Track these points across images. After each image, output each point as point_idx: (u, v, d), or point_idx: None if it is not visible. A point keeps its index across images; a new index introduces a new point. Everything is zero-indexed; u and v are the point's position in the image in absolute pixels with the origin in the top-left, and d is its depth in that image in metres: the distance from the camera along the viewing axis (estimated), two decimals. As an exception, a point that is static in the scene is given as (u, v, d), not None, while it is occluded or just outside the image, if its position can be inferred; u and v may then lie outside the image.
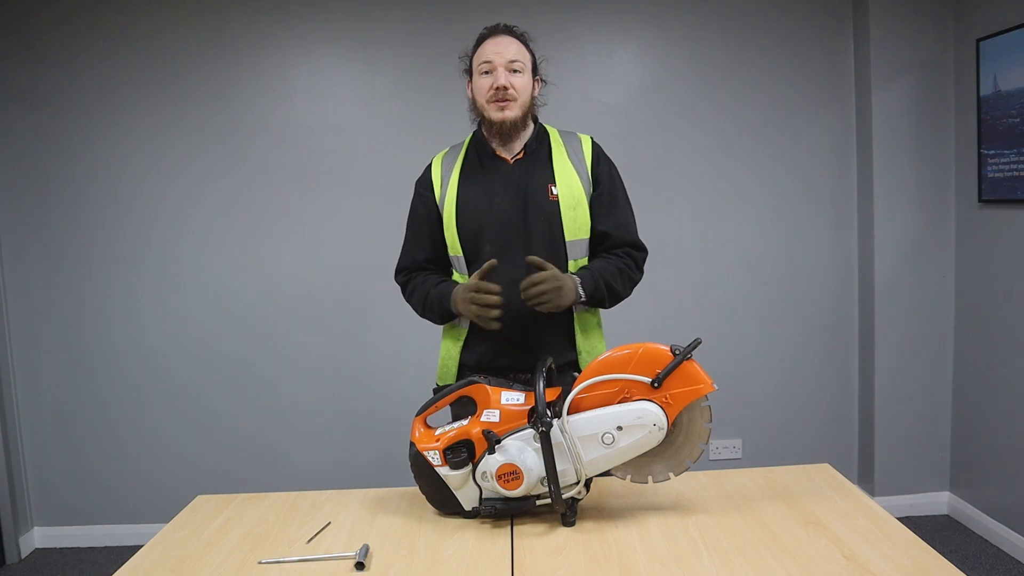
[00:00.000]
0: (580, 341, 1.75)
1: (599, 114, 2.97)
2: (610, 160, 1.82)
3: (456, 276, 1.78)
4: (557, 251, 1.71)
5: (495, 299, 1.58)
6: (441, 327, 1.83)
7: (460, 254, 1.73)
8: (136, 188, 2.92)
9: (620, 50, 2.99)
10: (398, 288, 1.93)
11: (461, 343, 1.76)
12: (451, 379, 1.79)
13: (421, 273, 1.79)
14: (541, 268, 1.60)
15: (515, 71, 1.70)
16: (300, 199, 2.95)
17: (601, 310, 1.85)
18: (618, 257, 1.76)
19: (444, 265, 1.80)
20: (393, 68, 2.94)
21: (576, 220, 1.71)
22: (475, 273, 1.62)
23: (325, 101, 2.94)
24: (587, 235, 1.74)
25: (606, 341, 1.87)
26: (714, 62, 2.98)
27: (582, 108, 2.95)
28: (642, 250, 1.82)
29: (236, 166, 2.93)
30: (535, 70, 1.78)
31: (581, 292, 1.65)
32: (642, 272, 1.82)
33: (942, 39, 2.89)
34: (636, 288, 3.12)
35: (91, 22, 2.85)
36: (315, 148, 2.94)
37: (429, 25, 2.91)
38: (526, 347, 1.69)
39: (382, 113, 2.95)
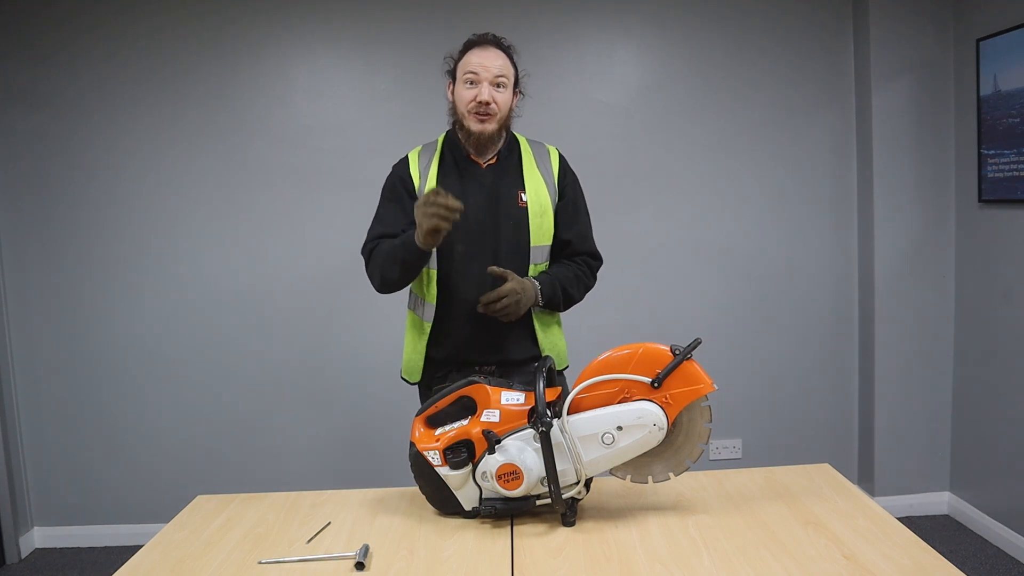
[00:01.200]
0: (541, 337, 1.83)
1: (599, 114, 2.97)
2: (573, 172, 1.90)
3: (425, 271, 1.78)
4: (521, 255, 1.78)
5: (456, 203, 1.54)
6: (405, 322, 1.88)
7: (433, 250, 1.73)
8: (136, 188, 2.92)
9: (620, 50, 2.99)
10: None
11: (427, 338, 1.81)
12: (417, 374, 1.85)
13: (386, 239, 1.76)
14: (503, 278, 1.68)
15: (499, 86, 1.74)
16: (300, 199, 2.95)
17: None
18: (576, 265, 1.84)
19: None
20: (393, 68, 2.94)
21: (542, 227, 1.79)
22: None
23: (325, 101, 2.94)
24: (549, 241, 1.81)
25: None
26: (714, 62, 2.98)
27: (582, 108, 2.95)
28: (598, 259, 1.90)
29: (236, 166, 2.93)
30: (516, 83, 1.81)
31: (539, 298, 1.74)
32: (596, 279, 1.89)
33: (942, 39, 2.89)
34: (637, 288, 3.15)
35: (91, 22, 2.85)
36: (315, 148, 2.94)
37: (429, 25, 2.91)
38: (491, 342, 1.77)
39: (382, 113, 2.95)
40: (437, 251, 1.74)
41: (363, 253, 1.81)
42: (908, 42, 2.89)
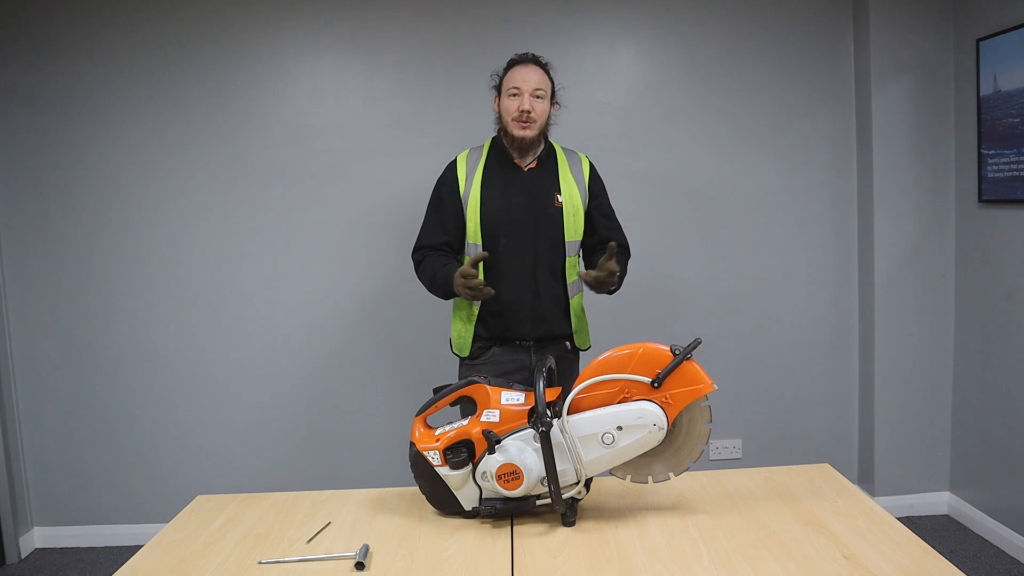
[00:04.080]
0: (573, 319, 2.12)
1: (599, 114, 2.97)
2: (601, 178, 2.20)
3: (466, 260, 2.03)
4: (556, 248, 2.07)
5: (477, 282, 1.90)
6: (451, 306, 2.17)
7: (479, 243, 2.05)
8: (136, 188, 2.92)
9: (620, 50, 2.99)
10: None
11: (475, 318, 2.09)
12: (467, 350, 2.12)
13: (434, 253, 2.08)
14: (612, 254, 1.93)
15: (538, 97, 2.02)
16: (300, 199, 2.95)
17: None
18: (624, 258, 2.16)
19: (458, 248, 2.10)
20: (393, 68, 2.94)
21: (574, 225, 2.08)
22: (468, 261, 1.91)
23: (325, 101, 2.94)
24: (580, 238, 2.10)
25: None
26: (714, 62, 2.98)
27: (582, 108, 2.94)
28: (628, 251, 2.23)
29: (237, 166, 2.93)
30: (553, 95, 2.10)
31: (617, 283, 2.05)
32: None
33: (942, 39, 2.89)
34: (636, 287, 3.17)
35: (92, 23, 2.84)
36: (315, 148, 2.93)
37: (429, 25, 2.91)
38: (530, 321, 2.07)
39: (382, 113, 2.95)
40: (485, 245, 2.05)
41: (412, 257, 2.14)
42: (908, 42, 2.89)
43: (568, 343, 2.15)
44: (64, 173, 2.90)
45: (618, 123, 2.98)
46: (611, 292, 2.04)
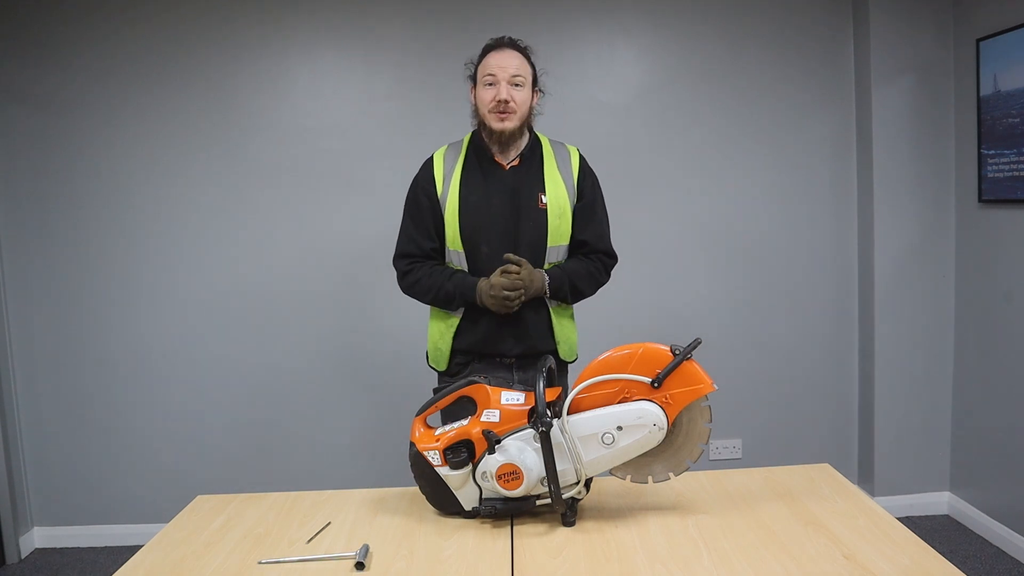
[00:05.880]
0: (557, 330, 1.93)
1: (599, 114, 2.97)
2: (594, 173, 1.97)
3: (454, 267, 1.90)
4: (538, 254, 1.87)
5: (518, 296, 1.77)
6: (428, 312, 1.99)
7: (460, 249, 1.86)
8: (136, 189, 2.92)
9: (620, 50, 2.99)
10: (396, 288, 2.02)
11: (454, 330, 1.90)
12: (444, 362, 1.94)
13: (426, 263, 1.90)
14: (518, 265, 1.77)
15: (516, 85, 1.82)
16: (300, 198, 2.95)
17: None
18: (590, 261, 1.93)
19: (443, 254, 1.92)
20: (393, 68, 2.94)
21: (560, 228, 1.88)
22: (499, 273, 1.77)
23: (325, 101, 2.94)
24: (566, 242, 1.90)
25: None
26: (714, 62, 2.98)
27: (582, 108, 2.94)
28: (613, 258, 1.99)
29: (236, 165, 2.93)
30: (535, 82, 1.89)
31: (546, 288, 1.85)
32: (609, 276, 1.99)
33: (942, 39, 2.89)
34: (636, 287, 3.16)
35: (92, 23, 2.84)
36: (315, 148, 2.93)
37: (429, 25, 2.91)
38: (512, 334, 1.87)
39: (382, 113, 2.95)
40: (466, 251, 1.86)
41: (397, 265, 1.94)
42: (908, 42, 2.89)
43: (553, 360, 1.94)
44: (63, 172, 2.90)
45: (618, 123, 2.98)
46: (510, 309, 1.80)
